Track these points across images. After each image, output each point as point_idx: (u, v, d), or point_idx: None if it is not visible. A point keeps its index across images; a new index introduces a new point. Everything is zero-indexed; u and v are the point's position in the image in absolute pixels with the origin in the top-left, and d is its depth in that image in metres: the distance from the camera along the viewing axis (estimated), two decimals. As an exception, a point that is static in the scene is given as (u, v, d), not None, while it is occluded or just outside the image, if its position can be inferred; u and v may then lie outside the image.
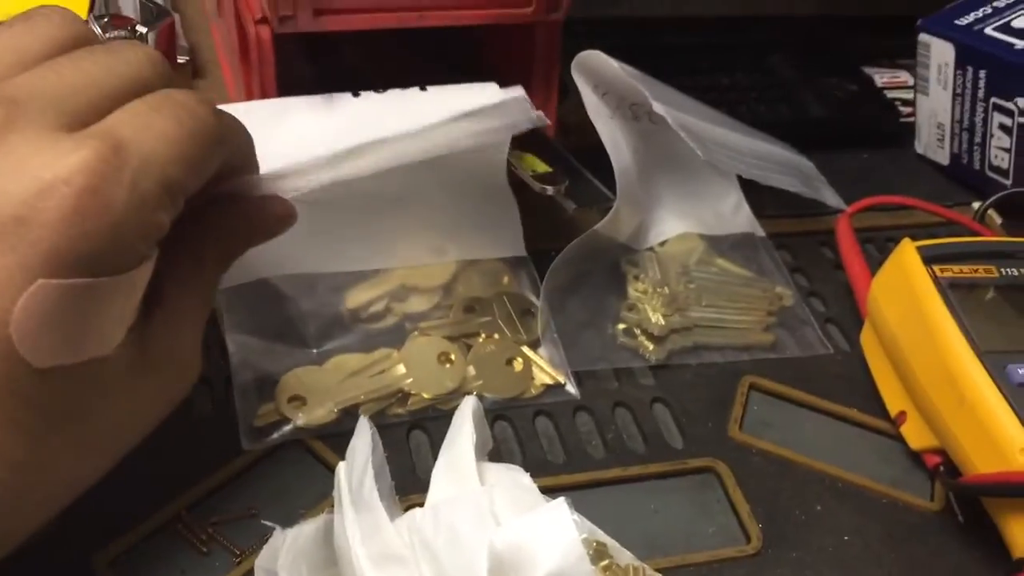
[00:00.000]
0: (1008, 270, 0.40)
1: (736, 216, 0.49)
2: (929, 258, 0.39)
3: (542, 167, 0.42)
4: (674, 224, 0.48)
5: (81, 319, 0.26)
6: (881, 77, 0.62)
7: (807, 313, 0.46)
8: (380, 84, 0.42)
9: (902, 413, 0.40)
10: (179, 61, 0.52)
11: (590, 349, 0.42)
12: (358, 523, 0.29)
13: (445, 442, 0.34)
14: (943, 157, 0.55)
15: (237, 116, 0.32)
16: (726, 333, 0.44)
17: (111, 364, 0.28)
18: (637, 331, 0.43)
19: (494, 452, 0.38)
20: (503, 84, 0.42)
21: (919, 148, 0.56)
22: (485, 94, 0.41)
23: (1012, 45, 0.49)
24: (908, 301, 0.39)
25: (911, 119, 0.57)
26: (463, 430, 0.33)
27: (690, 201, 0.48)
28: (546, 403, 0.40)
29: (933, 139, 0.55)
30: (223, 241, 0.33)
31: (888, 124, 0.57)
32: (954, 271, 0.39)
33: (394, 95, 0.42)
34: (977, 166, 0.53)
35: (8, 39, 0.29)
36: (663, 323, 0.43)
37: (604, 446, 0.39)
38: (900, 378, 0.40)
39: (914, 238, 0.43)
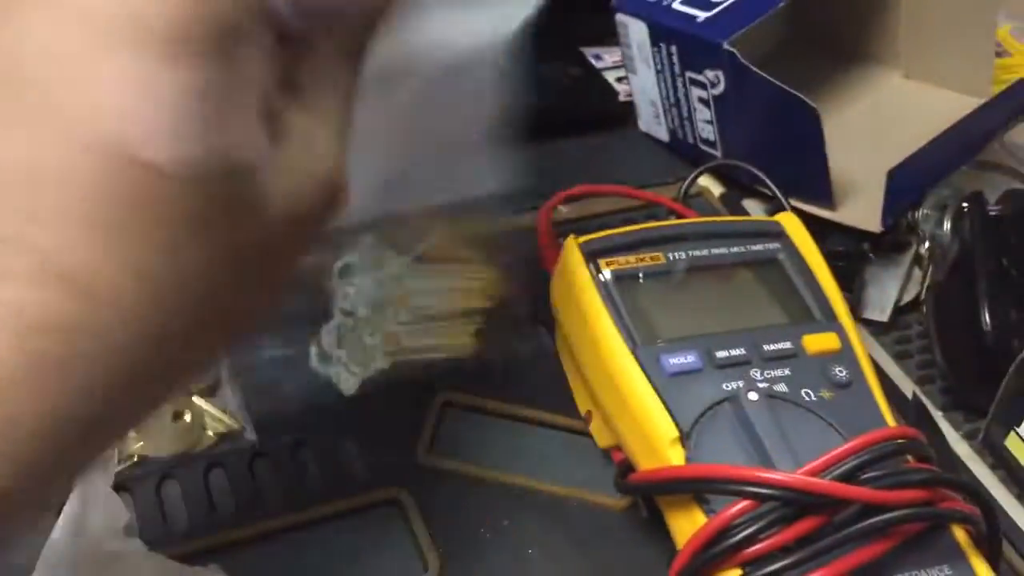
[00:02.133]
0: (674, 255, 0.39)
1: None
2: (592, 253, 0.38)
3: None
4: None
5: (205, 104, 0.22)
6: (611, 57, 0.61)
7: (514, 316, 0.45)
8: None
9: (588, 412, 0.39)
10: None
11: (278, 387, 0.41)
12: None
13: None
14: (663, 134, 0.55)
15: None
16: (431, 344, 0.43)
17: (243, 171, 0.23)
18: (334, 358, 0.42)
19: (159, 518, 0.36)
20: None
21: (642, 126, 0.56)
22: None
23: (695, 18, 0.49)
24: (574, 300, 0.38)
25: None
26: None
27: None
28: (220, 454, 0.38)
29: (651, 116, 0.55)
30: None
31: (608, 106, 0.57)
32: (619, 263, 0.39)
33: None
34: (691, 140, 0.53)
35: None
36: (365, 344, 0.41)
37: (283, 492, 0.37)
38: (581, 379, 0.39)
39: (630, 222, 0.42)
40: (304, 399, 0.41)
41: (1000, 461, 0.41)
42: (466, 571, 0.35)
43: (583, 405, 0.40)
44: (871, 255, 0.48)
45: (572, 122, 0.56)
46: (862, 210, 0.47)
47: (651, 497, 0.36)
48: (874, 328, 0.46)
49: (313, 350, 0.42)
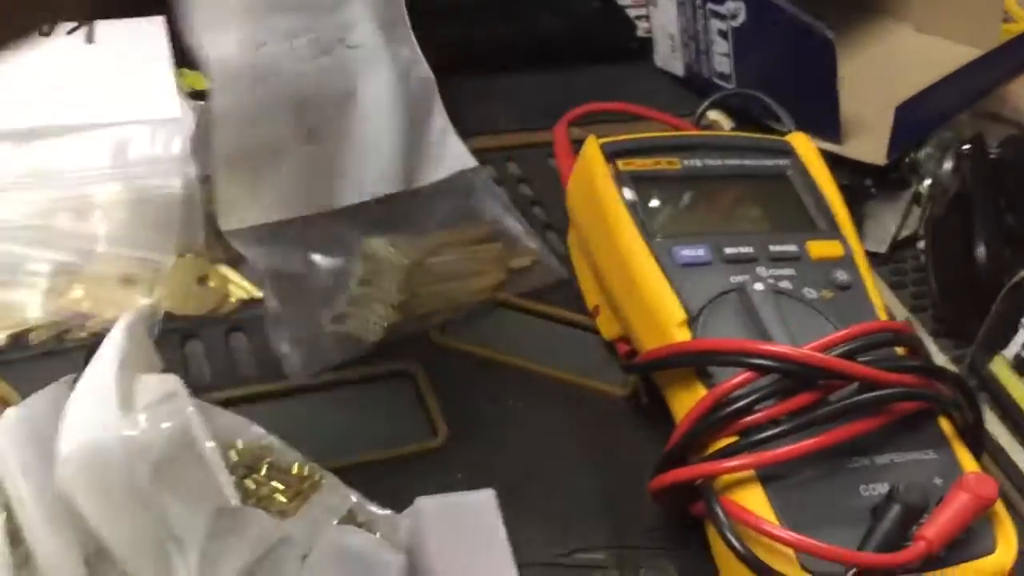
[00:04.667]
0: (690, 161, 0.41)
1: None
2: (612, 153, 0.40)
3: (201, 84, 0.41)
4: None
5: None
6: (633, -5, 0.63)
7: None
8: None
9: (596, 307, 0.41)
10: None
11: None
12: None
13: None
14: (678, 68, 0.56)
15: None
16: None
17: None
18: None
19: (182, 372, 0.37)
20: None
21: (657, 61, 0.58)
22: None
23: (719, -50, 0.50)
24: (591, 195, 0.40)
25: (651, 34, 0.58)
26: (106, 344, 0.32)
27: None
28: (242, 318, 0.40)
29: (667, 50, 0.56)
30: None
31: (625, 39, 0.58)
32: (637, 164, 0.40)
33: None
34: (706, 74, 0.54)
35: None
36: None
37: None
38: (592, 272, 0.41)
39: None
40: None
41: (984, 383, 0.43)
42: (472, 440, 0.37)
43: (591, 300, 0.41)
44: (873, 190, 0.49)
45: (590, 51, 0.58)
46: (868, 145, 0.49)
47: (652, 383, 0.38)
48: (873, 260, 0.48)
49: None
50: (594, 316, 0.41)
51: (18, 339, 0.36)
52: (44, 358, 0.36)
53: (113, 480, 0.27)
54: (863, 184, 0.50)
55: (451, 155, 0.46)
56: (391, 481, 0.34)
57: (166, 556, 0.27)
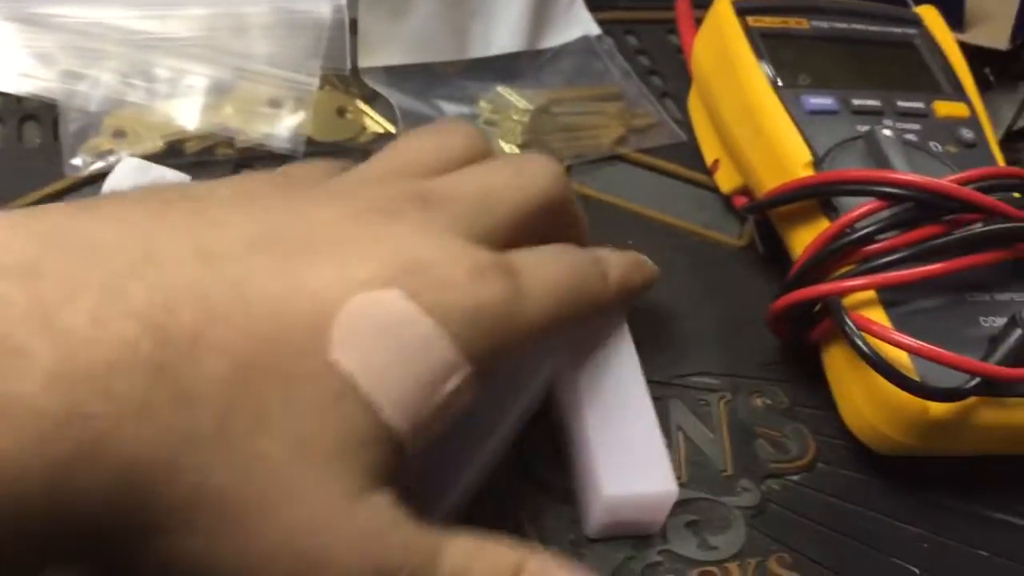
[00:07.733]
0: (818, 23, 0.42)
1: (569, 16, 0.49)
2: (742, 10, 0.41)
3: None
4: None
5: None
6: None
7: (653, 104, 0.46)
8: None
9: (716, 161, 0.42)
10: None
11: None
12: None
13: None
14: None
15: None
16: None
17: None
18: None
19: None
20: None
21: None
22: None
23: None
24: (720, 48, 0.41)
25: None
26: None
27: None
28: (376, 148, 0.41)
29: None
30: None
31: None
32: (766, 22, 0.41)
33: None
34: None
35: (423, 142, 0.29)
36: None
37: (430, 189, 0.41)
38: (715, 126, 0.42)
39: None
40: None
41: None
42: (593, 271, 0.38)
43: (711, 155, 0.42)
44: (992, 79, 0.49)
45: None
46: (990, 33, 0.49)
47: (768, 235, 0.39)
48: (986, 148, 0.48)
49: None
50: (713, 171, 0.42)
51: (174, 147, 0.39)
52: (196, 167, 0.38)
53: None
54: (982, 72, 0.49)
55: (576, 20, 0.48)
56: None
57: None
